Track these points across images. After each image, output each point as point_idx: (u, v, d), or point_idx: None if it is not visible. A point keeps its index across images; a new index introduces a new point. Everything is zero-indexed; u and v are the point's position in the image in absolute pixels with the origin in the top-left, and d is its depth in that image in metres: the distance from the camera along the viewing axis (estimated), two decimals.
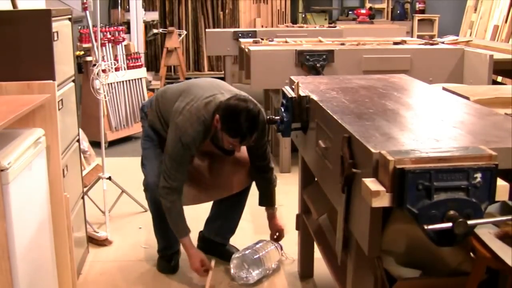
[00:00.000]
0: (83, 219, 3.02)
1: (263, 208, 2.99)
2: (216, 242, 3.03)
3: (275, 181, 2.94)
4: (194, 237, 3.14)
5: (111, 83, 5.16)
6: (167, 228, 2.89)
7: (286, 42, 5.21)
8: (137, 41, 7.26)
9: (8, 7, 2.93)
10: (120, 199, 3.67)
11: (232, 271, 2.79)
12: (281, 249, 2.97)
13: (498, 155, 1.39)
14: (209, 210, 3.09)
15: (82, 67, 5.08)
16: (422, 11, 10.08)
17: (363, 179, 1.43)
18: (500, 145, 1.52)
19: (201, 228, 3.13)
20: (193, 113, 2.56)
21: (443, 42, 4.95)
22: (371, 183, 1.41)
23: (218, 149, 2.74)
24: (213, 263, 2.77)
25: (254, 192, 2.90)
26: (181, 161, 2.61)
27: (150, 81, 7.72)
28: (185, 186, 2.72)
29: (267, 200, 2.95)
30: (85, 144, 4.24)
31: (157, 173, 2.74)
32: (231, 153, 2.80)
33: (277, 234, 3.00)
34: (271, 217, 2.98)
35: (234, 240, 3.08)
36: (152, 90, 7.83)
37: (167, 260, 2.94)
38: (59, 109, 2.44)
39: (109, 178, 3.55)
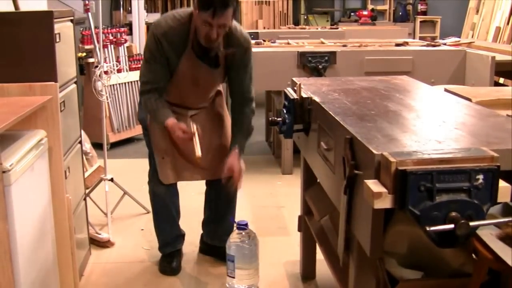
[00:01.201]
0: (85, 221, 3.02)
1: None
2: (214, 245, 3.03)
3: (251, 126, 2.80)
4: (196, 239, 3.15)
5: (113, 85, 5.17)
6: (165, 224, 2.89)
7: (288, 43, 5.21)
8: (139, 42, 7.26)
9: (10, 8, 2.94)
10: (122, 201, 3.67)
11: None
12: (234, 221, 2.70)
13: (499, 156, 1.39)
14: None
15: (84, 69, 5.09)
16: (424, 13, 10.08)
17: (365, 181, 1.43)
18: (501, 147, 1.52)
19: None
20: (169, 13, 2.68)
21: (445, 44, 4.95)
22: (373, 185, 1.41)
23: (200, 60, 2.63)
24: (194, 127, 2.64)
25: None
26: (154, 59, 2.61)
27: None
28: (169, 163, 2.71)
29: (238, 141, 2.74)
30: (87, 146, 4.24)
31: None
32: (216, 64, 2.67)
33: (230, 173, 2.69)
34: (231, 155, 2.69)
35: None
36: None
37: (168, 262, 2.94)
38: (61, 111, 2.44)
39: (111, 180, 3.55)
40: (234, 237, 2.68)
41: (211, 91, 2.82)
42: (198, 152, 2.55)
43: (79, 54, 4.97)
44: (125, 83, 5.44)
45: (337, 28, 7.45)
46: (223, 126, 2.87)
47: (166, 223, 2.94)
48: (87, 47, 5.11)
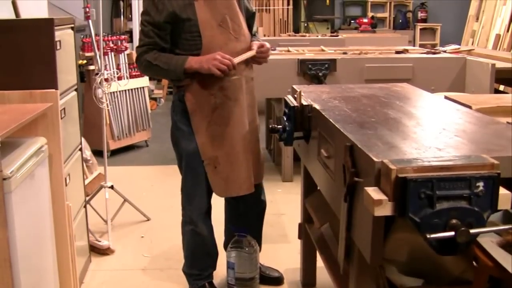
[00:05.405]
0: (85, 228, 3.02)
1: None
2: None
3: None
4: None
5: (113, 92, 5.18)
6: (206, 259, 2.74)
7: (288, 51, 5.22)
8: None
9: (11, 16, 2.95)
10: (122, 208, 3.67)
11: None
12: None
13: (500, 163, 1.39)
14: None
15: (85, 76, 5.10)
16: (424, 20, 10.12)
17: (365, 188, 1.43)
18: (502, 154, 1.52)
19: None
20: None
21: (445, 51, 4.96)
22: (373, 192, 1.40)
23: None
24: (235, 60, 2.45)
25: None
26: (153, 22, 2.39)
27: (152, 90, 7.74)
28: (223, 173, 2.54)
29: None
30: (88, 153, 4.24)
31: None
32: None
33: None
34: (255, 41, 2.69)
35: None
36: (155, 99, 7.86)
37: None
38: (61, 118, 2.45)
39: (111, 187, 3.55)
40: (234, 244, 2.67)
41: (243, 32, 2.61)
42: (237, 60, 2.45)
43: (80, 62, 4.98)
44: (125, 90, 5.44)
45: (337, 36, 7.46)
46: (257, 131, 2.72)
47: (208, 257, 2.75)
48: (87, 54, 5.13)
